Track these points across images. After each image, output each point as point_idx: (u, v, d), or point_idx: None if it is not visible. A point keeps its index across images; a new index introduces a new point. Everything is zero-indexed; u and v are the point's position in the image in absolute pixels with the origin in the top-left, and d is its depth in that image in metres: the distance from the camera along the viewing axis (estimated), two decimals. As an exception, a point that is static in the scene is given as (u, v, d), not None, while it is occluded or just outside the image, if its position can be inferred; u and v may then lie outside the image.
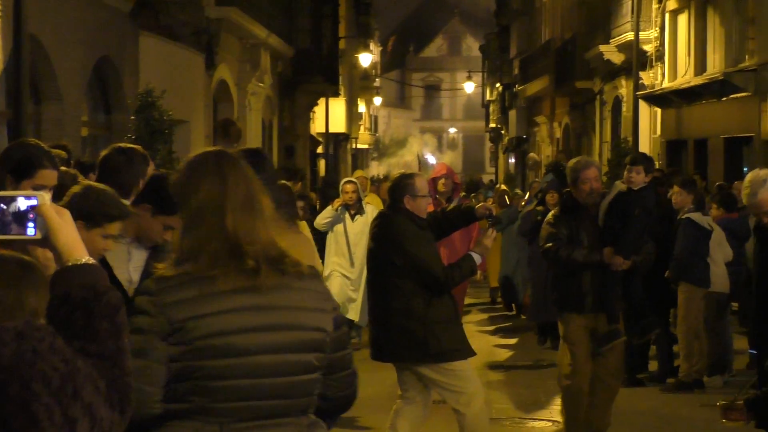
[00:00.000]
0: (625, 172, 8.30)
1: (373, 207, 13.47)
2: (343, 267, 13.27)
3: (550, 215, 8.48)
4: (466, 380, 7.34)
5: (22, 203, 2.33)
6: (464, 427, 7.41)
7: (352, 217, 13.26)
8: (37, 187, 4.78)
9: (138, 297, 3.25)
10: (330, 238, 13.33)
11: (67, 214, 2.37)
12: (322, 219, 13.23)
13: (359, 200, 13.36)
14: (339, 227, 13.31)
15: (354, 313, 13.26)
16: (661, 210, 10.56)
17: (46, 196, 2.34)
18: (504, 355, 13.66)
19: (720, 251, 11.05)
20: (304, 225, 11.69)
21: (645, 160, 8.43)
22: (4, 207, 2.33)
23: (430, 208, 11.25)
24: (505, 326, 15.96)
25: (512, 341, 14.53)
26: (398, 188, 7.32)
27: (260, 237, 3.20)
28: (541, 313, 13.49)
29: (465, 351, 7.36)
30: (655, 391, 10.74)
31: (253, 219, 3.22)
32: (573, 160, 8.69)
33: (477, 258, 7.26)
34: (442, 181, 11.23)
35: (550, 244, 8.15)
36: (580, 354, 8.18)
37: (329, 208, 13.49)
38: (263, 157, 5.00)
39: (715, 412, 9.41)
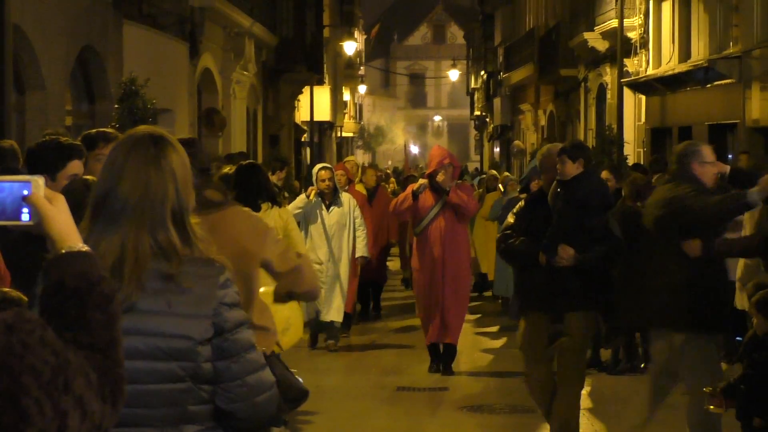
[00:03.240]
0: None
1: (350, 196, 12.62)
2: (319, 264, 12.02)
3: (518, 206, 8.23)
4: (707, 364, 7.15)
5: (15, 189, 2.31)
6: (691, 412, 7.19)
7: (327, 207, 12.29)
8: (69, 177, 4.79)
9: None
10: (312, 230, 12.26)
11: (60, 200, 2.34)
12: (293, 209, 12.03)
13: (335, 189, 12.32)
14: (317, 218, 12.28)
15: (336, 313, 12.35)
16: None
17: (40, 182, 2.31)
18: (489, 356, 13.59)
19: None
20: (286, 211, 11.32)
21: (573, 149, 7.77)
22: None
23: (430, 197, 11.12)
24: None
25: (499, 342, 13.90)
26: (686, 155, 7.29)
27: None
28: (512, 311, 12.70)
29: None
30: (638, 379, 10.74)
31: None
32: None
33: (753, 198, 6.80)
34: (444, 169, 11.02)
35: (499, 235, 8.25)
36: (527, 352, 7.95)
37: (302, 196, 12.54)
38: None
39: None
